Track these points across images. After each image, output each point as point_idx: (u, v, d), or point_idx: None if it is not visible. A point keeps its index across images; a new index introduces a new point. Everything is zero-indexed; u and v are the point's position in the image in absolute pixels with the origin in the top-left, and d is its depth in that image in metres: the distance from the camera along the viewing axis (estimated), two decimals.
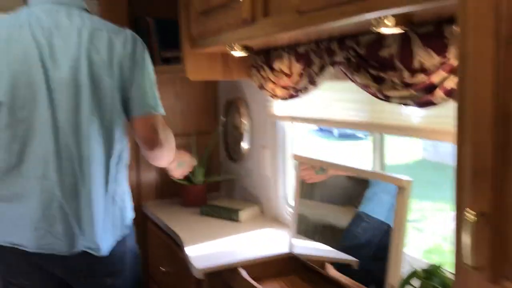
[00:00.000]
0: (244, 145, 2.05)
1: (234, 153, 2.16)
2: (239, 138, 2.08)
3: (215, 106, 2.32)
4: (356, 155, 7.23)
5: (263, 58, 1.61)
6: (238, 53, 1.48)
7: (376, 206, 1.25)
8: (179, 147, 1.56)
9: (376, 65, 1.12)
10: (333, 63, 1.27)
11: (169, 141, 1.44)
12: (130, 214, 1.43)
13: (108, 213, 1.34)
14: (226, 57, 1.73)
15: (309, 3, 1.02)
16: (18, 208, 1.29)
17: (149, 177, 2.21)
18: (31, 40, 1.24)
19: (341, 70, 1.24)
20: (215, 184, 2.30)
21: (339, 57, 1.23)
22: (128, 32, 1.33)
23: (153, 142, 1.37)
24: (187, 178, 2.08)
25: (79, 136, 1.27)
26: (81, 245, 1.30)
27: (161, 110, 1.37)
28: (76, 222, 1.29)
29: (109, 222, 1.34)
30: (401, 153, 7.98)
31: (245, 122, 2.04)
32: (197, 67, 1.69)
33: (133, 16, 2.10)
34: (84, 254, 1.31)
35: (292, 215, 1.55)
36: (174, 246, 1.76)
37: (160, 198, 2.24)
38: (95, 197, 1.30)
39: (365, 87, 1.16)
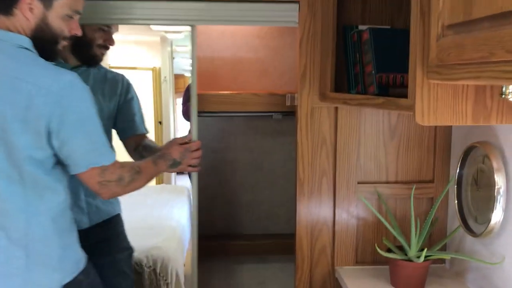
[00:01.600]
0: (496, 215, 1.35)
1: (474, 224, 1.47)
2: (487, 203, 1.39)
3: (444, 149, 1.66)
4: None
5: None
6: None
7: None
8: None
9: None
10: None
11: (131, 180, 1.35)
12: None
13: None
14: (482, 92, 1.08)
15: None
16: None
17: (347, 234, 1.68)
18: None
19: None
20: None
21: None
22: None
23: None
24: (400, 248, 1.49)
25: None
26: None
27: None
28: None
29: None
30: None
31: (498, 182, 1.34)
32: (432, 107, 1.08)
33: (341, 23, 1.58)
34: None
35: None
36: None
37: (361, 263, 1.69)
38: None
39: None
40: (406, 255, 1.52)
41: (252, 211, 2.30)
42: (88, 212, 1.66)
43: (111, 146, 1.44)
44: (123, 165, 1.35)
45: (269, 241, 2.35)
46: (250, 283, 2.39)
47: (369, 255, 1.70)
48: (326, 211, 1.67)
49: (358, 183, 1.66)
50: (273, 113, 1.88)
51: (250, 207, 2.30)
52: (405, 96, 1.15)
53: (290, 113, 1.93)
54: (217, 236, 2.35)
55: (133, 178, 1.37)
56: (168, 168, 1.54)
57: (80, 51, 1.60)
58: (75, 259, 1.33)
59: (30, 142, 1.17)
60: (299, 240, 1.67)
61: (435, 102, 1.07)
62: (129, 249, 1.81)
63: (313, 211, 1.67)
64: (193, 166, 1.59)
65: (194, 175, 1.67)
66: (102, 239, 1.69)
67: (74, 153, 1.23)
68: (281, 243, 2.34)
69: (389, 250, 1.56)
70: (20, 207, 1.21)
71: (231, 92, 1.90)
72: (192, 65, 1.64)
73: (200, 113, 1.86)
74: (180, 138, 1.62)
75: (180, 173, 2.46)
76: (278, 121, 2.14)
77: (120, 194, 1.40)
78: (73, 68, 1.57)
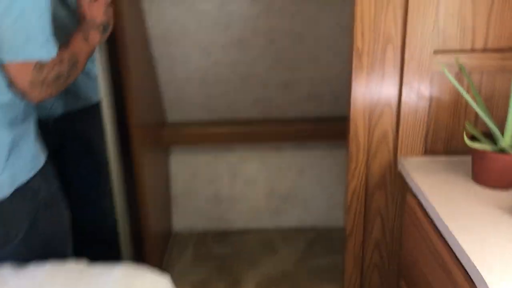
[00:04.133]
0: None
1: None
2: None
3: None
4: None
5: None
6: None
7: None
8: None
9: None
10: None
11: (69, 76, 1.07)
12: None
13: None
14: None
15: None
16: None
17: (415, 117, 1.33)
18: None
19: None
20: None
21: None
22: None
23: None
24: (488, 135, 1.16)
25: None
26: None
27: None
28: None
29: None
30: None
31: None
32: None
33: None
34: None
35: None
36: (455, 269, 0.93)
37: (431, 153, 1.36)
38: None
39: None
40: (495, 144, 1.18)
41: (291, 92, 1.95)
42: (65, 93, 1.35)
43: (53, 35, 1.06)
44: (61, 57, 1.04)
45: (309, 126, 2.03)
46: (288, 171, 2.13)
47: (440, 143, 1.36)
48: (390, 89, 1.31)
49: (434, 52, 1.27)
50: None
51: (288, 87, 1.94)
52: None
53: None
54: (249, 121, 2.05)
55: (71, 74, 1.08)
56: (101, 38, 1.21)
57: None
58: (30, 156, 1.08)
59: None
60: (353, 125, 1.34)
61: None
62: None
63: (373, 89, 1.31)
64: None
65: None
66: (79, 134, 1.41)
67: (3, 35, 0.95)
68: (323, 128, 2.02)
69: (472, 138, 1.22)
70: None
71: None
72: None
73: None
74: None
75: None
76: None
77: (52, 96, 1.08)
78: None
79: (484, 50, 1.28)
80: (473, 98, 1.24)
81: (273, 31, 1.80)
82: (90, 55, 1.18)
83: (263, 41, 1.82)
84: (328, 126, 2.01)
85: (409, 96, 1.31)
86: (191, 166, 2.07)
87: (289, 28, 1.79)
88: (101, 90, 1.38)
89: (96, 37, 1.18)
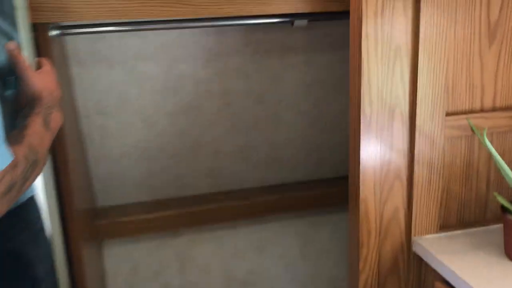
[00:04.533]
0: None
1: None
2: None
3: None
4: None
5: None
6: None
7: None
8: None
9: None
10: None
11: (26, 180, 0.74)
12: None
13: None
14: None
15: None
16: None
17: (429, 189, 1.15)
18: None
19: None
20: None
21: None
22: None
23: None
24: None
25: None
26: None
27: None
28: None
29: None
30: None
31: None
32: None
33: None
34: None
35: None
36: None
37: (445, 228, 1.18)
38: None
39: None
40: None
41: (248, 159, 1.70)
42: None
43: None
44: (15, 161, 0.72)
45: (268, 196, 1.78)
46: (245, 249, 1.85)
47: (453, 216, 1.19)
48: (400, 160, 1.12)
49: (447, 114, 1.12)
50: (297, 17, 1.24)
51: (244, 153, 1.69)
52: None
53: (319, 16, 1.30)
54: (198, 198, 1.75)
55: (29, 176, 0.76)
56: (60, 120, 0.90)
57: None
58: None
59: None
60: (364, 206, 1.12)
61: None
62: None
63: (381, 160, 1.11)
64: None
65: None
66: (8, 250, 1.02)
67: None
68: (284, 198, 1.79)
69: (503, 209, 1.06)
70: None
71: None
72: None
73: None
74: (23, 62, 0.85)
75: None
76: (291, 33, 1.50)
77: (2, 214, 0.73)
78: None
79: (493, 109, 1.15)
80: (491, 163, 1.09)
81: (229, 94, 1.55)
82: (50, 144, 0.84)
83: (218, 105, 1.56)
84: (289, 195, 1.78)
85: (421, 165, 1.12)
86: (131, 259, 1.71)
87: (248, 88, 1.56)
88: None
89: (58, 119, 0.85)
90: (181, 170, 1.67)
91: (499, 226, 1.18)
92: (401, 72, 1.07)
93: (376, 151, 1.10)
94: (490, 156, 1.17)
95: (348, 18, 1.08)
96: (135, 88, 1.47)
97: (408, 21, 1.05)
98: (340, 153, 1.74)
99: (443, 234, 1.17)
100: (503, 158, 1.18)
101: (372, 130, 1.08)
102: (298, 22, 1.25)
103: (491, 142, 1.16)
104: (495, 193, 1.06)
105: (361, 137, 1.07)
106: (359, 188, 1.11)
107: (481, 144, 1.16)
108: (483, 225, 1.20)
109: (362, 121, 1.06)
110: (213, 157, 1.68)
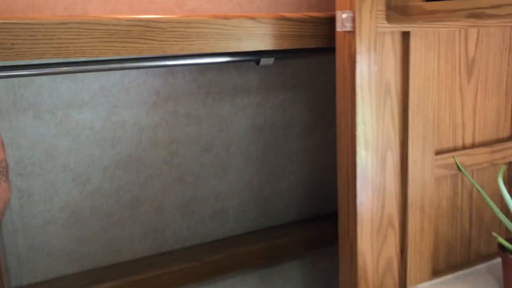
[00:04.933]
0: None
1: None
2: None
3: None
4: None
5: None
6: None
7: None
8: None
9: None
10: None
11: None
12: None
13: None
14: None
15: None
16: None
17: (421, 235, 1.07)
18: None
19: None
20: None
21: None
22: None
23: None
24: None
25: None
26: None
27: None
28: None
29: None
30: None
31: None
32: None
33: None
34: None
35: None
36: None
37: (436, 274, 1.11)
38: None
39: None
40: None
41: (192, 214, 1.51)
42: None
43: None
44: None
45: (213, 255, 1.60)
46: None
47: (442, 259, 1.13)
48: (392, 205, 1.03)
49: (436, 153, 1.06)
50: (262, 56, 1.11)
51: (189, 208, 1.50)
52: None
53: (287, 53, 1.19)
54: (136, 263, 1.51)
55: None
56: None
57: None
58: None
59: None
60: (361, 260, 1.00)
61: None
62: None
63: (376, 207, 1.01)
64: None
65: None
66: None
67: None
68: (230, 255, 1.61)
69: (502, 248, 1.01)
70: None
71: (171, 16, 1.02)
72: None
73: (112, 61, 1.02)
74: None
75: None
76: (244, 73, 1.36)
77: None
78: None
79: (473, 145, 1.12)
80: (481, 203, 1.05)
81: (175, 142, 1.36)
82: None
83: (162, 156, 1.36)
84: (236, 250, 1.61)
85: (414, 210, 1.04)
86: None
87: (196, 135, 1.38)
88: None
89: (5, 188, 0.63)
90: (116, 233, 1.43)
91: (484, 266, 1.14)
92: (391, 109, 0.99)
93: (371, 199, 1.00)
94: (471, 194, 1.13)
95: (322, 54, 0.99)
96: (66, 141, 1.23)
97: (397, 57, 0.98)
98: (289, 199, 1.62)
99: (435, 281, 1.09)
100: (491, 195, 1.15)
101: (368, 176, 0.98)
102: (265, 61, 1.12)
103: (472, 179, 1.12)
104: (494, 233, 1.01)
105: (357, 185, 0.96)
106: (356, 240, 0.99)
107: (464, 183, 1.11)
108: (469, 266, 1.15)
109: (358, 167, 0.96)
110: (154, 215, 1.46)
